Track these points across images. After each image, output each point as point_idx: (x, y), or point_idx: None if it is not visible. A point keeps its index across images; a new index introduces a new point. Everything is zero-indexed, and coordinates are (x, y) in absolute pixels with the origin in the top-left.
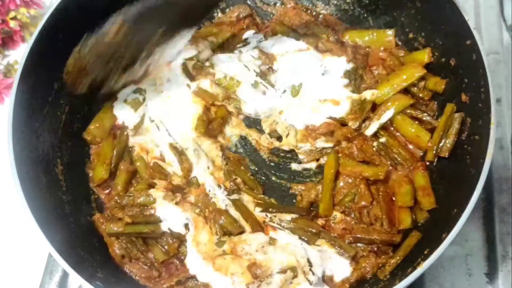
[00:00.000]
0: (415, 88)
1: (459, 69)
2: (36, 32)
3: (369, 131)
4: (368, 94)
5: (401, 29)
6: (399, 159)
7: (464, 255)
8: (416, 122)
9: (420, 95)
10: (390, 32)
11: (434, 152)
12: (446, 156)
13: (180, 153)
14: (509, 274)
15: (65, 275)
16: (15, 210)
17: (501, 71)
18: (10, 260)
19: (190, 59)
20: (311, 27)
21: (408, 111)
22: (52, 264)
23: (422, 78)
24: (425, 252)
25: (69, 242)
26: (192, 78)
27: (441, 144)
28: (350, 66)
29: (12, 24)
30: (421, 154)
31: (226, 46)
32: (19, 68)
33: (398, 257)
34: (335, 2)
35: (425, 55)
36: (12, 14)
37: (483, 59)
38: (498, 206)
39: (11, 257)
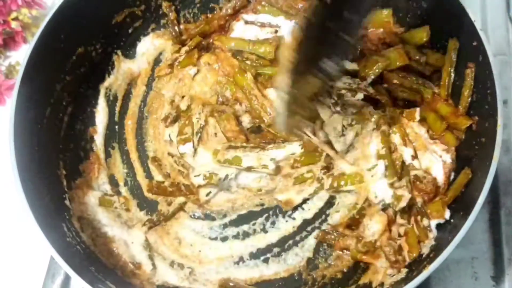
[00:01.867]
0: (416, 63)
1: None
2: (38, 33)
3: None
4: (347, 64)
5: (407, 29)
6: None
7: (470, 258)
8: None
9: (421, 70)
10: (386, 12)
11: (446, 90)
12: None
13: None
14: None
15: (67, 278)
16: (18, 213)
17: (508, 73)
18: (12, 262)
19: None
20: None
21: (408, 79)
22: (54, 267)
23: (422, 53)
24: (431, 255)
25: (72, 245)
26: None
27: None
28: None
29: (14, 24)
30: None
31: None
32: (20, 69)
33: (449, 196)
34: None
35: (424, 33)
36: (13, 14)
37: (489, 61)
38: (504, 208)
39: (13, 259)
